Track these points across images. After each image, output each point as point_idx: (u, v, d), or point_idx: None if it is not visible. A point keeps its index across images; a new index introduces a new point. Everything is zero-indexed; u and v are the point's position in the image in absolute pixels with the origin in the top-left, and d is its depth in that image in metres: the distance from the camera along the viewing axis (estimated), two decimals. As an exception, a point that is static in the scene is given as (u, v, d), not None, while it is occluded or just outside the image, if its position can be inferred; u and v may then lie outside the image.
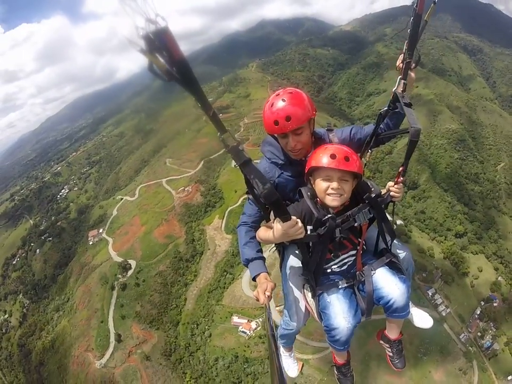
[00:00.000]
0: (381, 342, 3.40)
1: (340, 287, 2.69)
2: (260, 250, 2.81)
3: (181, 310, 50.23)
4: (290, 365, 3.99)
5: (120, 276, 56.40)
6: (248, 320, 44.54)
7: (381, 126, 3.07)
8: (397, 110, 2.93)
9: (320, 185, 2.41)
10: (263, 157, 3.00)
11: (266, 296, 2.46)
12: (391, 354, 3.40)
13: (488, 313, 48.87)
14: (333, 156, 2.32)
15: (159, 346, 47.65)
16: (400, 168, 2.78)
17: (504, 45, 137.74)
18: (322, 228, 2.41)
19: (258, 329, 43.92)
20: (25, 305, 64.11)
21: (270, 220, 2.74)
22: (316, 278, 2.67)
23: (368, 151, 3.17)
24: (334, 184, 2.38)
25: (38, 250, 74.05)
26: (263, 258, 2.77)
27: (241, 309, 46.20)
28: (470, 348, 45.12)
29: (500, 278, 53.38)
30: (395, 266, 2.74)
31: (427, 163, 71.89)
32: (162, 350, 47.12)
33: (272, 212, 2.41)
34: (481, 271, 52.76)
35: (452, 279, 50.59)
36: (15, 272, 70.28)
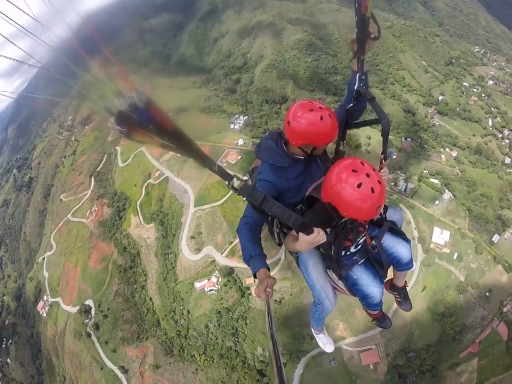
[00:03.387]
0: (390, 291, 3.94)
1: (359, 263, 3.06)
2: (261, 248, 2.79)
3: (153, 310, 50.78)
4: (326, 342, 4.38)
5: (87, 320, 54.74)
6: (208, 279, 46.69)
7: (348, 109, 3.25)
8: (355, 103, 3.14)
9: None
10: (263, 162, 2.99)
11: (268, 292, 2.44)
12: (399, 299, 4.03)
13: (392, 165, 54.97)
14: (378, 209, 2.34)
15: (158, 350, 48.72)
16: (382, 156, 3.16)
17: None
18: (340, 227, 2.66)
19: (220, 280, 46.39)
20: None
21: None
22: (338, 263, 2.92)
23: (342, 142, 3.38)
24: None
25: (8, 360, 68.37)
26: (264, 255, 2.75)
27: (197, 274, 48.03)
28: (391, 196, 51.01)
29: (389, 137, 59.62)
30: (394, 230, 3.15)
31: (287, 76, 76.82)
32: (162, 352, 48.34)
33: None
34: (370, 138, 57.22)
35: (349, 156, 55.09)
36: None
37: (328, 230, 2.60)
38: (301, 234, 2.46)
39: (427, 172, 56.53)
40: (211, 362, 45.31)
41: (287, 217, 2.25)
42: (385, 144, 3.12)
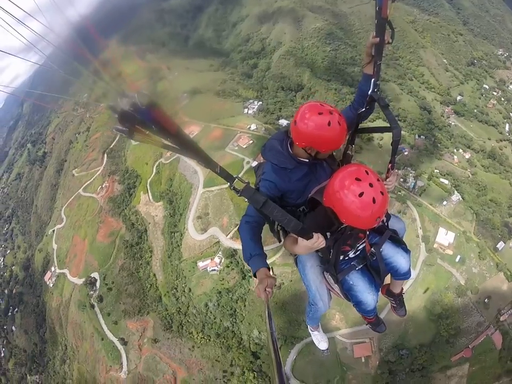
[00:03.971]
0: (386, 296, 3.96)
1: (357, 268, 3.05)
2: (261, 248, 2.78)
3: (156, 286, 52.07)
4: (320, 340, 4.47)
5: (92, 292, 56.29)
6: (211, 259, 47.51)
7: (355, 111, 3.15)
8: (367, 108, 3.04)
9: None
10: (267, 162, 2.96)
11: (268, 292, 2.42)
12: (395, 305, 4.05)
13: (403, 161, 54.65)
14: (378, 219, 2.34)
15: (158, 325, 49.95)
16: (389, 165, 3.02)
17: None
18: (340, 232, 2.65)
19: (223, 261, 47.19)
20: (38, 381, 62.46)
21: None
22: (335, 268, 2.92)
23: (351, 146, 3.26)
24: None
25: (13, 327, 70.90)
26: (264, 255, 2.74)
27: (201, 253, 48.94)
28: (399, 192, 50.38)
29: (402, 132, 58.49)
30: (395, 239, 3.13)
31: (305, 64, 76.04)
32: (162, 326, 49.52)
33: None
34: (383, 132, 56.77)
35: (360, 148, 53.85)
36: (9, 361, 67.66)
37: (327, 234, 2.62)
38: (300, 238, 2.46)
39: (438, 171, 55.82)
40: (208, 340, 46.35)
41: (287, 222, 2.25)
42: (394, 153, 2.98)
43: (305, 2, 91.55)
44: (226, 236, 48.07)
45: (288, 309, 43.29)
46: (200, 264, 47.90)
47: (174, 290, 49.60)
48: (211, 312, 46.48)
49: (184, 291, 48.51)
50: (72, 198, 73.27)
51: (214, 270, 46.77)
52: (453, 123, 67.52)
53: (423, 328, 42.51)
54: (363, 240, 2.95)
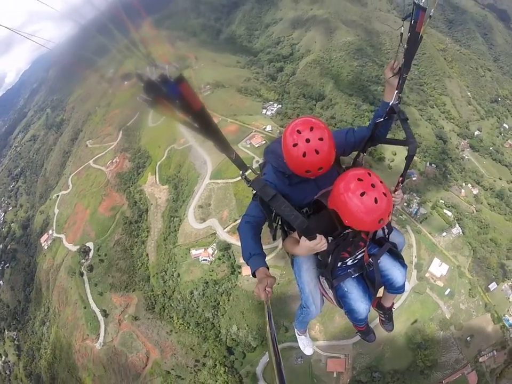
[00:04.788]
0: (376, 309, 3.94)
1: (353, 276, 3.09)
2: (261, 247, 2.80)
3: (147, 266, 52.89)
4: (306, 344, 4.38)
5: (83, 260, 57.23)
6: (204, 249, 48.02)
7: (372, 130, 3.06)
8: (386, 118, 2.96)
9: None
10: (268, 162, 2.98)
11: (267, 292, 2.43)
12: (383, 319, 4.06)
13: (410, 186, 54.49)
14: (380, 221, 2.28)
15: (141, 304, 50.59)
16: (400, 179, 2.97)
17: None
18: (342, 238, 2.66)
19: (215, 253, 47.68)
20: (15, 337, 63.47)
21: (274, 223, 3.01)
22: (332, 273, 2.95)
23: (362, 154, 3.19)
24: None
25: (1, 282, 72.27)
26: (264, 254, 2.74)
27: (196, 242, 49.60)
28: (400, 216, 50.15)
29: (414, 158, 58.08)
30: (393, 252, 3.15)
31: (329, 75, 76.78)
32: (145, 306, 50.16)
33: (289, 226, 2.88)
34: (395, 154, 56.49)
35: (370, 166, 53.45)
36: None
37: (329, 238, 2.59)
38: (302, 238, 2.45)
39: (443, 201, 55.64)
40: (186, 327, 46.86)
41: (293, 218, 2.24)
42: (407, 168, 2.94)
43: (340, 15, 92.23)
44: (224, 229, 48.62)
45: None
46: (193, 252, 48.48)
47: (163, 273, 50.27)
48: (195, 301, 46.97)
49: (173, 275, 49.12)
50: (82, 167, 74.73)
51: (206, 260, 47.28)
52: (466, 157, 67.27)
53: (400, 354, 42.29)
54: (362, 249, 2.95)
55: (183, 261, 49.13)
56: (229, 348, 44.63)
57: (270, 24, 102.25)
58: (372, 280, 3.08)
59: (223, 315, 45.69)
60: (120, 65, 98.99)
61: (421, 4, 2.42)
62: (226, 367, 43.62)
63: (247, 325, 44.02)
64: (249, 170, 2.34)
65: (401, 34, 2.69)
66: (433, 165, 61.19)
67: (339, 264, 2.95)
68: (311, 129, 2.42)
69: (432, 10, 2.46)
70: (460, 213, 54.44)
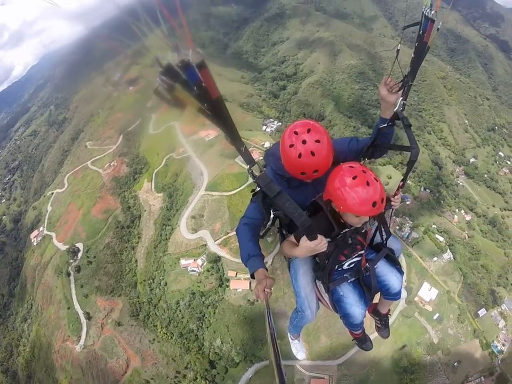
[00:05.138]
0: (372, 315, 3.92)
1: (349, 281, 3.09)
2: (259, 249, 2.80)
3: (135, 272, 52.48)
4: (299, 349, 4.36)
5: (72, 260, 56.76)
6: (194, 259, 47.75)
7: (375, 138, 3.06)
8: (390, 124, 2.99)
9: (352, 219, 2.53)
10: (268, 165, 3.01)
11: (266, 293, 2.44)
12: (379, 325, 4.03)
13: (403, 210, 54.85)
14: (374, 204, 2.31)
15: (126, 310, 49.93)
16: (400, 183, 3.00)
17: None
18: (340, 239, 2.68)
19: (205, 264, 47.44)
20: None
21: (269, 223, 2.93)
22: (329, 276, 2.95)
23: (362, 160, 3.19)
24: (367, 218, 2.58)
25: (-15, 274, 71.28)
26: (262, 256, 2.76)
27: (186, 252, 49.31)
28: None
29: (408, 182, 58.63)
30: (391, 258, 3.18)
31: (330, 97, 78.44)
32: (129, 312, 49.50)
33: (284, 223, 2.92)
34: (390, 178, 57.22)
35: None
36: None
37: (328, 240, 2.60)
38: (303, 239, 2.47)
39: (435, 226, 55.93)
40: (170, 337, 46.16)
41: (297, 215, 2.22)
42: (408, 173, 2.95)
43: (345, 38, 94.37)
44: (215, 241, 48.47)
45: (255, 327, 42.90)
46: (183, 262, 48.17)
47: (151, 280, 49.86)
48: (180, 311, 46.44)
49: (160, 284, 48.68)
50: (79, 167, 74.86)
51: (194, 271, 46.98)
52: (461, 183, 67.87)
53: (386, 377, 41.85)
54: (359, 252, 2.96)
55: (172, 270, 48.75)
56: (211, 361, 43.89)
57: (277, 43, 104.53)
58: (368, 286, 3.09)
59: (207, 327, 45.12)
60: (126, 70, 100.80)
61: (430, 16, 2.50)
62: (207, 381, 42.92)
63: (231, 339, 43.51)
64: (257, 166, 2.39)
65: (398, 51, 2.83)
66: (427, 190, 61.67)
67: (336, 267, 2.96)
68: (309, 131, 2.49)
69: (440, 23, 2.52)
70: (452, 239, 54.73)
